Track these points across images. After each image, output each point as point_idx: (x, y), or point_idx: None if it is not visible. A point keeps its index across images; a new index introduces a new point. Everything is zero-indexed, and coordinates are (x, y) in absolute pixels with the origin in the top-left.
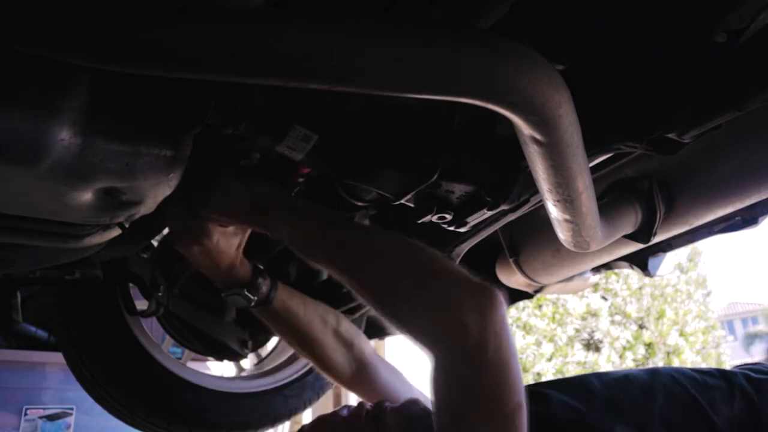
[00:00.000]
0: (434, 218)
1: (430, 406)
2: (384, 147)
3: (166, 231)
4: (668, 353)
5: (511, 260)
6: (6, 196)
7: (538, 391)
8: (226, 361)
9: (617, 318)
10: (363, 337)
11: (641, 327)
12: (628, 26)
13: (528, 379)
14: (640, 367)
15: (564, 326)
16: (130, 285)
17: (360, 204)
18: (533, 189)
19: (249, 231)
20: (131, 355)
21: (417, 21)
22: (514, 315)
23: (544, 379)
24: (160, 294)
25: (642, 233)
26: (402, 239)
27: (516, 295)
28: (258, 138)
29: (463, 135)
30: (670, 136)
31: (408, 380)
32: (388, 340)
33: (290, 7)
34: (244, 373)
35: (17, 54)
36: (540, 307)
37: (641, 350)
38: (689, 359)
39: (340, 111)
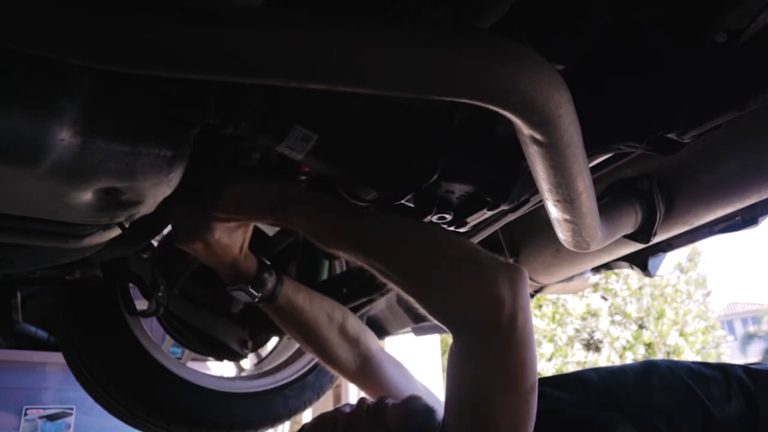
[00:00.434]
0: (434, 218)
1: (431, 401)
2: (384, 147)
3: (166, 231)
4: (668, 353)
5: (511, 260)
6: (6, 196)
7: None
8: (226, 361)
9: (617, 318)
10: (369, 333)
11: (641, 327)
12: (628, 26)
13: None
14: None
15: (564, 326)
16: (130, 285)
17: (360, 204)
18: (533, 189)
19: (252, 226)
20: (131, 355)
21: (417, 21)
22: None
23: None
24: (160, 294)
25: (642, 233)
26: (425, 224)
27: None
28: (258, 138)
29: (463, 135)
30: (670, 136)
31: (413, 376)
32: (388, 339)
33: (290, 7)
34: (244, 373)
35: (17, 54)
36: (540, 307)
37: (641, 350)
38: (689, 359)
39: (340, 111)
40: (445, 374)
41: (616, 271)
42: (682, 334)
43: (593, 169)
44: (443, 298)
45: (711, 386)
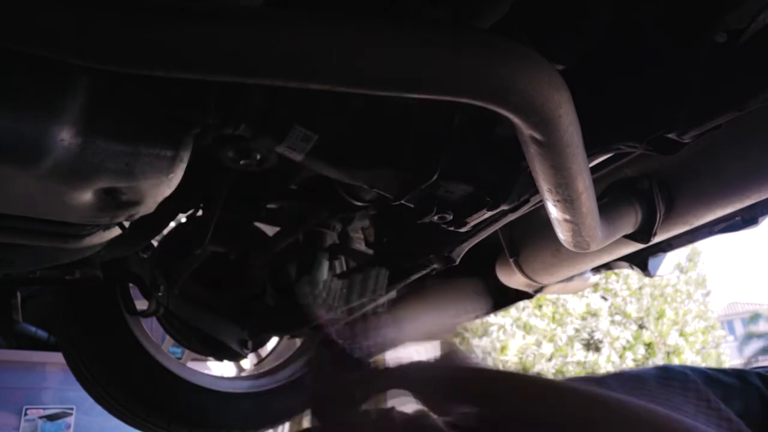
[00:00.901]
0: (434, 218)
1: None
2: (384, 147)
3: (166, 231)
4: (668, 353)
5: (511, 260)
6: (6, 196)
7: None
8: (226, 361)
9: (617, 318)
10: None
11: (641, 327)
12: (628, 26)
13: None
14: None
15: (564, 326)
16: (130, 285)
17: (360, 204)
18: (533, 189)
19: None
20: (131, 355)
21: (417, 21)
22: (514, 315)
23: None
24: (160, 294)
25: (642, 233)
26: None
27: (516, 295)
28: (258, 138)
29: (463, 135)
30: (670, 136)
31: None
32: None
33: (290, 7)
34: (244, 373)
35: (17, 54)
36: (540, 307)
37: (641, 350)
38: (689, 359)
39: (340, 111)
40: None
41: (616, 271)
42: (682, 334)
43: (593, 169)
44: None
45: (728, 391)
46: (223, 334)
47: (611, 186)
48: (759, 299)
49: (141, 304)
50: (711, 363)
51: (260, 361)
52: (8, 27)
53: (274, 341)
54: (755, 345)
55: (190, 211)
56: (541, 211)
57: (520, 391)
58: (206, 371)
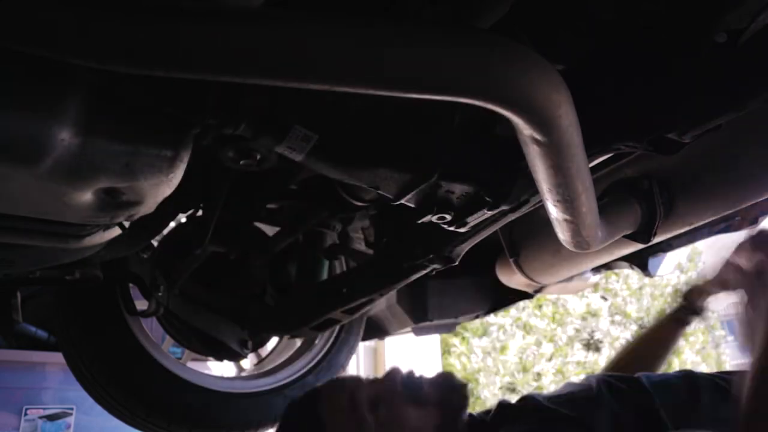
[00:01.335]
0: (434, 218)
1: None
2: (384, 147)
3: (166, 231)
4: None
5: (511, 260)
6: (6, 196)
7: None
8: (226, 361)
9: (617, 318)
10: None
11: (641, 327)
12: (628, 26)
13: (528, 379)
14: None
15: (564, 326)
16: (130, 285)
17: (360, 204)
18: (533, 189)
19: None
20: (131, 355)
21: (417, 21)
22: (514, 315)
23: (544, 379)
24: (160, 294)
25: (642, 233)
26: None
27: (516, 295)
28: (258, 138)
29: (463, 135)
30: (670, 136)
31: None
32: (388, 340)
33: (290, 7)
34: (244, 373)
35: (17, 54)
36: (540, 307)
37: None
38: (689, 359)
39: (340, 111)
40: None
41: (616, 271)
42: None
43: (593, 169)
44: None
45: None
46: (223, 334)
47: (611, 186)
48: None
49: (141, 304)
50: (711, 363)
51: (260, 361)
52: (8, 27)
53: (274, 341)
54: None
55: (190, 211)
56: (541, 211)
57: None
58: (206, 371)
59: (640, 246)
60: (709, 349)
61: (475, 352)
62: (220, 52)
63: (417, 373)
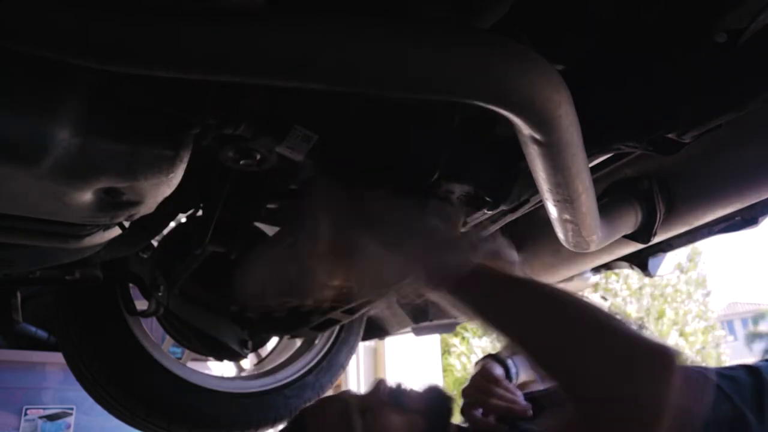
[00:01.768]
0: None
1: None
2: (384, 147)
3: (166, 231)
4: None
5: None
6: (6, 196)
7: None
8: (226, 361)
9: None
10: None
11: (641, 327)
12: (628, 26)
13: None
14: None
15: None
16: (130, 285)
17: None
18: (533, 189)
19: None
20: (131, 355)
21: (417, 21)
22: None
23: None
24: (160, 294)
25: (642, 233)
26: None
27: None
28: (258, 138)
29: (463, 135)
30: (670, 136)
31: None
32: (388, 340)
33: (290, 8)
34: (244, 373)
35: (17, 54)
36: None
37: None
38: (689, 359)
39: (340, 112)
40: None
41: (616, 271)
42: (682, 334)
43: (593, 169)
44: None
45: (739, 386)
46: (223, 334)
47: (611, 186)
48: (759, 299)
49: (141, 304)
50: (711, 363)
51: (260, 361)
52: (8, 27)
53: (274, 341)
54: (758, 345)
55: (190, 211)
56: (541, 211)
57: None
58: (206, 371)
59: (640, 246)
60: (709, 349)
61: (475, 352)
62: (221, 53)
63: (404, 385)
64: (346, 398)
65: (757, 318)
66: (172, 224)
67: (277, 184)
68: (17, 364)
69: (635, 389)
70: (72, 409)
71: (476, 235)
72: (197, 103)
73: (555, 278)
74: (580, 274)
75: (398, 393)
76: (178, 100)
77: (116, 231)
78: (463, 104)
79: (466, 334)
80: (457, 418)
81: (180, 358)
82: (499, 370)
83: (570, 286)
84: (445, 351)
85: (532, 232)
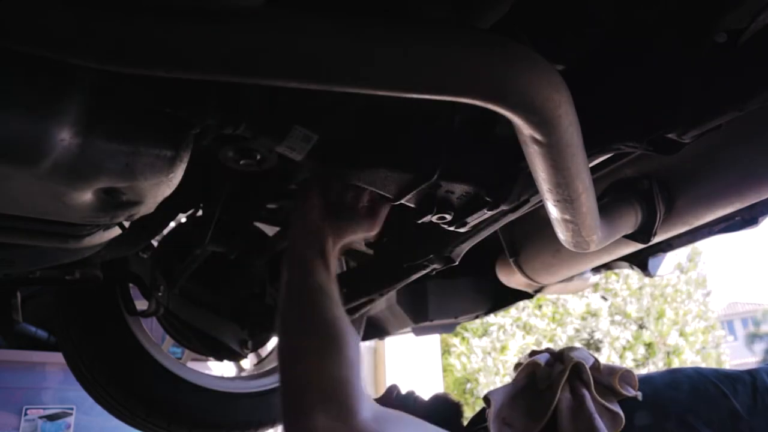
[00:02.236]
0: (434, 218)
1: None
2: (384, 147)
3: (166, 231)
4: (668, 353)
5: (511, 260)
6: (6, 196)
7: None
8: (226, 361)
9: (617, 318)
10: None
11: (641, 327)
12: (628, 27)
13: None
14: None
15: (564, 326)
16: (130, 285)
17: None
18: (533, 189)
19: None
20: (131, 355)
21: (417, 21)
22: (514, 315)
23: None
24: (160, 294)
25: (642, 233)
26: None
27: (516, 295)
28: (258, 138)
29: (463, 135)
30: (670, 136)
31: None
32: (388, 340)
33: (291, 8)
34: (244, 373)
35: (18, 54)
36: (540, 307)
37: (641, 350)
38: (689, 359)
39: (340, 111)
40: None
41: (616, 271)
42: (682, 334)
43: (593, 169)
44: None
45: (737, 386)
46: (223, 334)
47: (611, 186)
48: (759, 299)
49: (141, 304)
50: (711, 363)
51: (260, 361)
52: (9, 27)
53: (274, 341)
54: (758, 346)
55: (190, 211)
56: (541, 211)
57: None
58: (206, 371)
59: (640, 246)
60: (709, 349)
61: (475, 352)
62: (221, 53)
63: (415, 393)
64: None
65: (757, 318)
66: (172, 224)
67: (277, 184)
68: (17, 364)
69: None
70: (72, 409)
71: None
72: (197, 103)
73: (555, 278)
74: (581, 274)
75: (408, 399)
76: (178, 100)
77: (116, 231)
78: (463, 104)
79: (466, 334)
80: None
81: (180, 358)
82: None
83: (570, 286)
84: (445, 351)
85: (532, 232)
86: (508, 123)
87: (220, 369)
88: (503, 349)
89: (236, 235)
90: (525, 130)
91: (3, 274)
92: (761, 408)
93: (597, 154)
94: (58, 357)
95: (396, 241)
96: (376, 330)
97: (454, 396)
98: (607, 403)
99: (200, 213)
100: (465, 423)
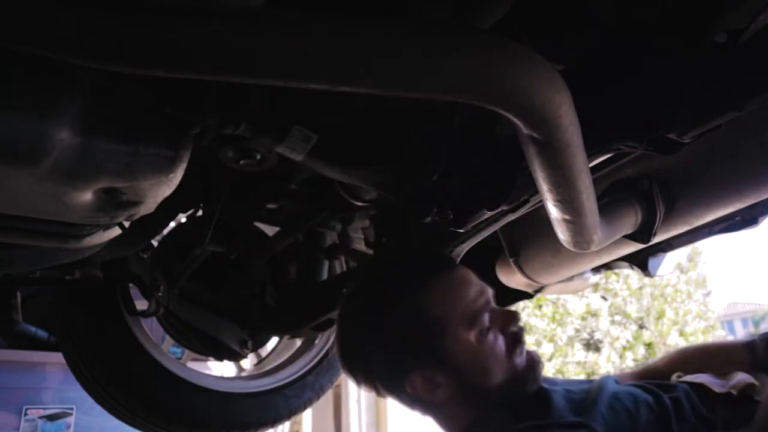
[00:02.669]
0: (434, 218)
1: None
2: (384, 147)
3: (166, 231)
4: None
5: (511, 260)
6: (6, 196)
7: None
8: (226, 361)
9: (617, 318)
10: None
11: (641, 327)
12: (628, 27)
13: None
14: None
15: (564, 326)
16: (130, 285)
17: (360, 204)
18: (533, 189)
19: None
20: (131, 355)
21: (418, 21)
22: None
23: None
24: (160, 294)
25: (642, 233)
26: None
27: (516, 295)
28: (258, 138)
29: (463, 135)
30: (670, 136)
31: None
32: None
33: (291, 8)
34: (244, 373)
35: (17, 54)
36: (540, 307)
37: (641, 350)
38: None
39: (340, 111)
40: None
41: (616, 271)
42: (682, 334)
43: (593, 169)
44: None
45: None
46: (223, 334)
47: (611, 186)
48: (759, 299)
49: (141, 304)
50: None
51: (260, 361)
52: (8, 27)
53: (273, 341)
54: None
55: (190, 211)
56: (541, 211)
57: None
58: (206, 371)
59: (640, 246)
60: None
61: None
62: (221, 53)
63: None
64: None
65: (757, 318)
66: (172, 224)
67: (277, 184)
68: (17, 364)
69: None
70: (72, 409)
71: None
72: (197, 102)
73: (555, 278)
74: (581, 274)
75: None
76: (178, 100)
77: (116, 231)
78: (463, 104)
79: None
80: None
81: (180, 358)
82: None
83: (570, 286)
84: None
85: (532, 232)
86: (508, 123)
87: (220, 369)
88: None
89: (236, 235)
90: (525, 130)
91: (3, 274)
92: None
93: (597, 154)
94: (58, 357)
95: (396, 241)
96: None
97: None
98: None
99: (200, 213)
100: None
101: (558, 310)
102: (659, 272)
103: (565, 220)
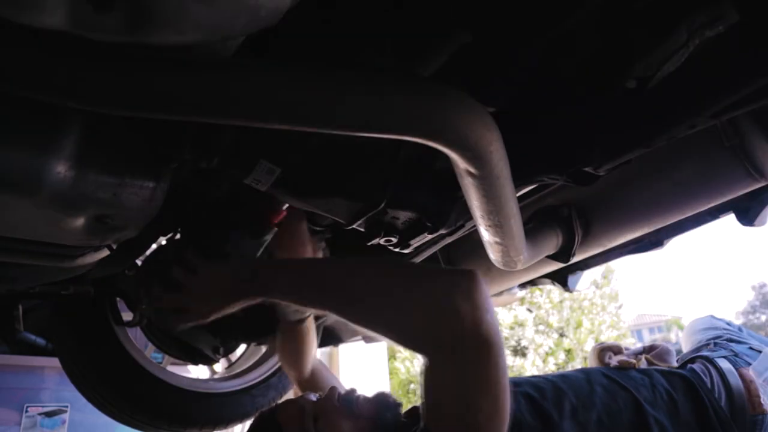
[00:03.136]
0: (381, 241)
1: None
2: (338, 179)
3: (148, 252)
4: (585, 358)
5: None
6: (9, 221)
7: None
8: (200, 365)
9: (541, 327)
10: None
11: (562, 335)
12: (550, 74)
13: None
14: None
15: None
16: (118, 299)
17: (317, 228)
18: (468, 215)
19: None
20: (118, 360)
21: (366, 69)
22: None
23: None
24: (143, 307)
25: (562, 254)
26: (373, 259)
27: None
28: (228, 171)
29: (407, 168)
30: (587, 169)
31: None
32: (342, 346)
33: (255, 57)
34: (216, 376)
35: (20, 98)
36: None
37: (562, 356)
38: None
39: (300, 148)
40: (422, 383)
41: (540, 286)
42: (597, 341)
43: (520, 198)
44: (404, 326)
45: (638, 384)
46: (199, 342)
47: (536, 213)
48: (664, 311)
49: (127, 316)
50: None
51: (230, 365)
52: (11, 75)
53: (242, 348)
54: None
55: (169, 234)
56: (474, 235)
57: None
58: (184, 374)
59: (560, 265)
60: None
61: (419, 358)
62: (197, 97)
63: (356, 392)
64: (302, 403)
65: (663, 327)
66: (154, 246)
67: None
68: (19, 367)
69: (447, 312)
70: (67, 407)
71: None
72: (176, 140)
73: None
74: (509, 289)
75: (349, 399)
76: (160, 137)
77: (105, 252)
78: (407, 141)
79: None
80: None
81: (161, 363)
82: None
83: (500, 300)
84: (392, 356)
85: (467, 252)
86: (447, 158)
87: (196, 372)
88: None
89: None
90: (461, 164)
91: (6, 290)
92: (659, 400)
93: (523, 184)
94: (55, 361)
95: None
96: (331, 338)
97: (398, 395)
98: None
99: (178, 236)
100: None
101: None
102: (577, 287)
103: (496, 243)
